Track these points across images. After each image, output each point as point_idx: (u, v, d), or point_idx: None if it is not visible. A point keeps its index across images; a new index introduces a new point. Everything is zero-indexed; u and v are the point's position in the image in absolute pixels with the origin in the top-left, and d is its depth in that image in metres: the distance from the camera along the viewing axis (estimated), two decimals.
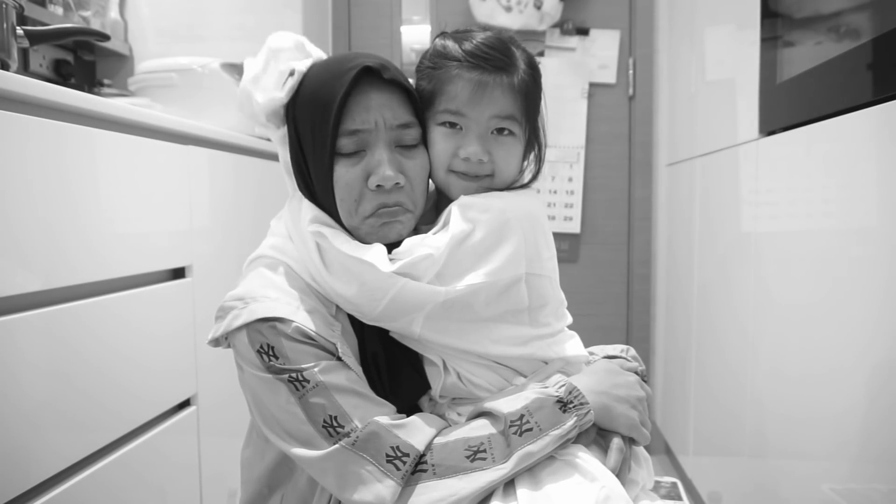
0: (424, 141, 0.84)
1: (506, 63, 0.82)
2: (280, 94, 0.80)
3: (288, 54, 0.83)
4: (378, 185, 0.78)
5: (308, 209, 0.81)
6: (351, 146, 0.79)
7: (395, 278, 0.75)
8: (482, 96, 0.80)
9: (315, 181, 0.81)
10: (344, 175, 0.79)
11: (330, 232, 0.78)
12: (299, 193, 0.85)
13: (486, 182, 0.84)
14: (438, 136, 0.83)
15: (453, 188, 0.84)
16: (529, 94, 0.83)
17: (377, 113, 0.79)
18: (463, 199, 0.81)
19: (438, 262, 0.77)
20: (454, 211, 0.80)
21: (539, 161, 0.89)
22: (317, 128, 0.79)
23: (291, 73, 0.81)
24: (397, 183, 0.79)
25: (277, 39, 0.83)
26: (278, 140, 0.86)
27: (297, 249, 0.82)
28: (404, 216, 0.81)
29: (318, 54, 0.85)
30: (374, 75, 0.79)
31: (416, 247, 0.78)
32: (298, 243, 0.81)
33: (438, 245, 0.77)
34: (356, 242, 0.79)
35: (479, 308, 0.79)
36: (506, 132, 0.83)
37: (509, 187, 0.86)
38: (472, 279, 0.77)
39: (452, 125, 0.82)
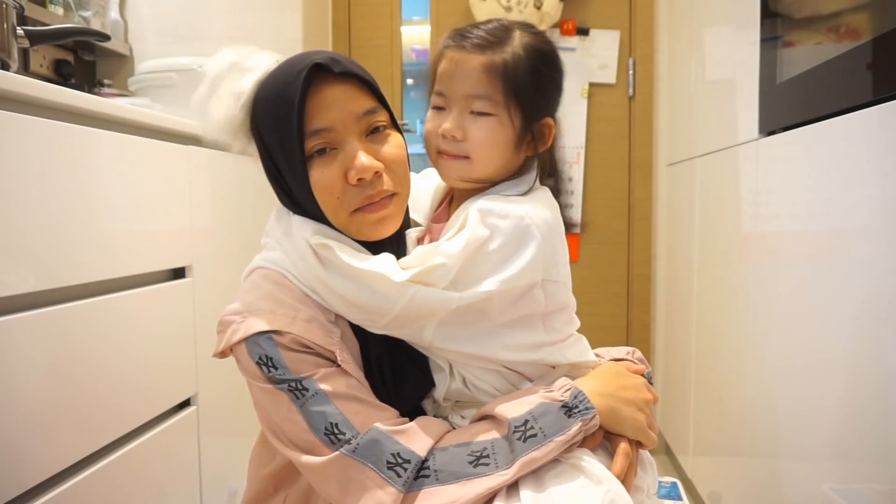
0: (395, 125, 0.84)
1: (489, 42, 0.80)
2: (234, 110, 0.80)
3: (228, 77, 0.81)
4: (359, 179, 0.77)
5: (304, 224, 0.80)
6: (321, 146, 0.77)
7: (408, 286, 0.74)
8: (457, 71, 0.80)
9: (294, 189, 0.80)
10: (321, 177, 0.77)
11: (336, 244, 0.77)
12: (285, 208, 0.85)
13: (465, 165, 0.82)
14: (428, 117, 0.84)
15: (439, 170, 0.85)
16: (512, 77, 0.80)
17: (339, 108, 0.77)
18: (481, 203, 0.78)
19: (452, 271, 0.75)
20: (472, 215, 0.77)
21: (550, 158, 0.87)
22: (282, 136, 0.77)
23: (237, 96, 0.80)
24: (377, 172, 0.78)
25: (214, 63, 0.82)
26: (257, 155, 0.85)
27: (293, 264, 0.80)
28: (393, 205, 0.80)
29: (262, 65, 0.82)
30: (326, 71, 0.77)
31: (427, 255, 0.76)
32: (296, 259, 0.80)
33: (451, 253, 0.75)
34: (364, 253, 0.78)
35: (494, 314, 0.77)
36: (482, 114, 0.80)
37: (495, 181, 0.84)
38: (487, 286, 0.75)
39: (439, 107, 0.83)
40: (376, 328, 0.79)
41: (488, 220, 0.76)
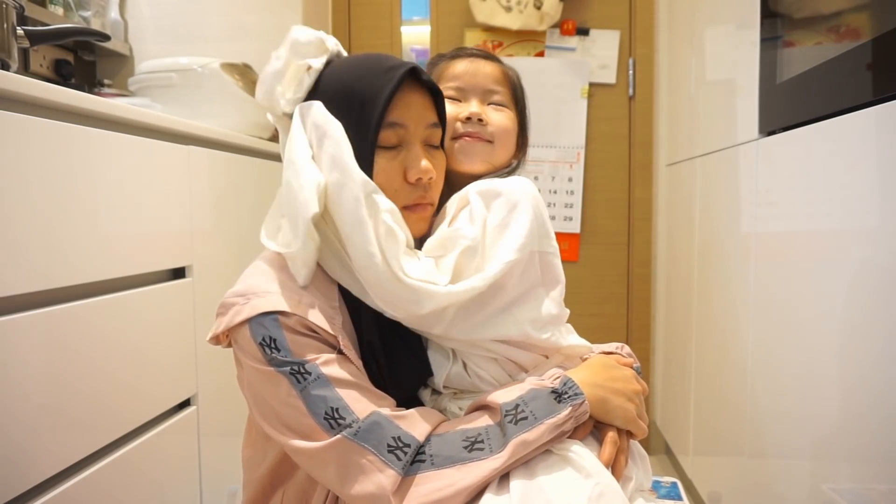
0: (442, 144, 0.89)
1: (495, 57, 0.97)
2: (299, 93, 0.83)
3: (307, 48, 0.84)
4: (418, 179, 0.82)
5: None
6: (391, 139, 0.82)
7: (448, 288, 0.76)
8: (478, 70, 0.94)
9: None
10: (385, 166, 0.81)
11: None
12: None
13: (487, 148, 0.91)
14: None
15: (458, 152, 0.91)
16: (517, 87, 0.97)
17: (416, 112, 0.83)
18: (474, 187, 0.86)
19: (478, 252, 0.80)
20: (472, 198, 0.84)
21: (522, 155, 0.98)
22: (355, 120, 0.80)
23: (308, 69, 0.83)
24: (430, 178, 0.83)
25: (299, 32, 0.85)
26: (284, 129, 0.86)
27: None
28: (429, 213, 0.86)
29: (338, 49, 0.87)
30: (414, 77, 0.83)
31: (447, 241, 0.81)
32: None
33: (474, 235, 0.80)
34: (399, 260, 0.77)
35: (509, 290, 0.81)
36: (500, 105, 0.94)
37: (500, 174, 0.92)
38: (504, 257, 0.79)
39: (454, 99, 0.93)
40: (391, 315, 0.80)
41: (484, 198, 0.84)
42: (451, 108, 0.91)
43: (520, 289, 0.82)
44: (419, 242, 0.86)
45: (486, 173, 0.91)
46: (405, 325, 0.81)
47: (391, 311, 0.79)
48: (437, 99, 0.87)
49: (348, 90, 0.81)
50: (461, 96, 0.93)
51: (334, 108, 0.81)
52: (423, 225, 0.86)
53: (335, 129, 0.78)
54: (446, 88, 0.92)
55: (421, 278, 0.76)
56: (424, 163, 0.82)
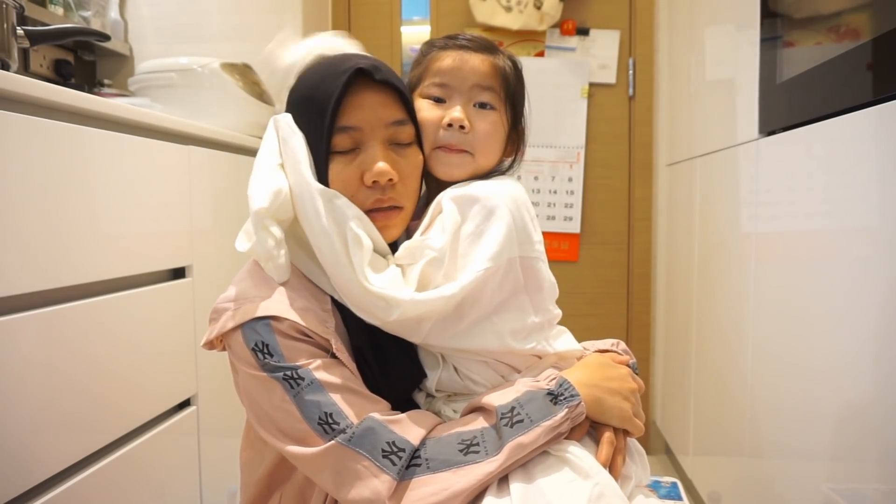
0: (418, 140, 0.86)
1: (488, 47, 0.88)
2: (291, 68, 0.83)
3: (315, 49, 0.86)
4: (374, 182, 0.79)
5: None
6: (345, 143, 0.80)
7: (412, 296, 0.75)
8: (464, 65, 0.86)
9: None
10: (340, 173, 0.80)
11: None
12: None
13: (467, 160, 0.85)
14: (424, 107, 0.86)
15: (437, 163, 0.86)
16: (510, 80, 0.88)
17: (370, 112, 0.80)
18: (450, 193, 0.82)
19: (444, 262, 0.77)
20: (445, 205, 0.81)
21: (517, 152, 0.92)
22: (312, 127, 0.80)
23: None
24: (391, 179, 0.80)
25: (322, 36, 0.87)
26: None
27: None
28: (398, 217, 0.83)
29: (306, 59, 0.86)
30: (367, 76, 0.80)
31: (416, 250, 0.79)
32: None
33: (441, 246, 0.78)
34: (364, 268, 0.77)
35: (486, 300, 0.79)
36: (487, 106, 0.86)
37: (488, 175, 0.88)
38: (477, 266, 0.77)
39: (438, 100, 0.86)
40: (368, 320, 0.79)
41: (459, 205, 0.80)
42: (433, 111, 0.86)
43: (498, 298, 0.79)
44: (396, 246, 0.84)
45: (470, 178, 0.87)
46: (385, 330, 0.80)
47: (365, 317, 0.78)
48: (402, 93, 0.83)
49: (307, 99, 0.81)
50: (445, 95, 0.86)
51: (298, 118, 0.81)
52: (394, 231, 0.83)
53: (295, 141, 0.80)
54: (430, 85, 0.86)
55: (383, 287, 0.75)
56: (380, 164, 0.79)
